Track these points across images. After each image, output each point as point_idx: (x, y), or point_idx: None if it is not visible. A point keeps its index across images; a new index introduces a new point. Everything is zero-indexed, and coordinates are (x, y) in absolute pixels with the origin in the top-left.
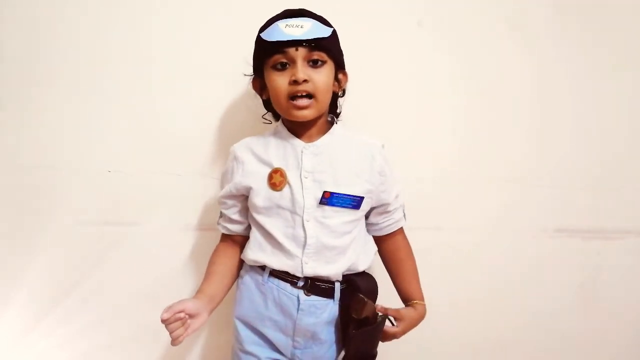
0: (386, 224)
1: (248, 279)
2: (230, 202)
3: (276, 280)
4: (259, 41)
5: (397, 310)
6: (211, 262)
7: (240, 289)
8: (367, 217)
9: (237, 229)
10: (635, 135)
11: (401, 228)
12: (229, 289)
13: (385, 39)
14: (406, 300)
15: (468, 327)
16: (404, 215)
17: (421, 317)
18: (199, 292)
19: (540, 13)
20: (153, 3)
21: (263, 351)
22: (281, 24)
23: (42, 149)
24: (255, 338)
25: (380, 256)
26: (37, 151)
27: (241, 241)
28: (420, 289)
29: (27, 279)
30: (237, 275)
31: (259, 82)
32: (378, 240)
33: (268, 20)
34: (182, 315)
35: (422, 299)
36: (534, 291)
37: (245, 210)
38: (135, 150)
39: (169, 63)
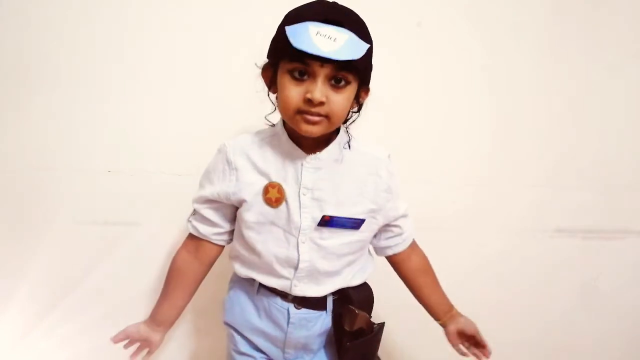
0: (396, 242)
1: (239, 289)
2: (211, 204)
3: (266, 292)
4: (282, 33)
5: (471, 336)
6: (170, 278)
7: (231, 296)
8: (378, 239)
9: (209, 232)
10: (635, 135)
11: (413, 241)
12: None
13: (385, 40)
14: (442, 312)
15: None
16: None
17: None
18: (150, 317)
19: (540, 13)
20: (152, 3)
21: (257, 353)
22: (312, 28)
23: (42, 149)
24: (247, 342)
25: (401, 277)
26: (37, 151)
27: (211, 253)
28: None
29: (27, 279)
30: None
31: (271, 74)
32: (397, 260)
33: (298, 12)
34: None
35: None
36: (534, 291)
37: (230, 215)
38: (135, 150)
39: (169, 62)
